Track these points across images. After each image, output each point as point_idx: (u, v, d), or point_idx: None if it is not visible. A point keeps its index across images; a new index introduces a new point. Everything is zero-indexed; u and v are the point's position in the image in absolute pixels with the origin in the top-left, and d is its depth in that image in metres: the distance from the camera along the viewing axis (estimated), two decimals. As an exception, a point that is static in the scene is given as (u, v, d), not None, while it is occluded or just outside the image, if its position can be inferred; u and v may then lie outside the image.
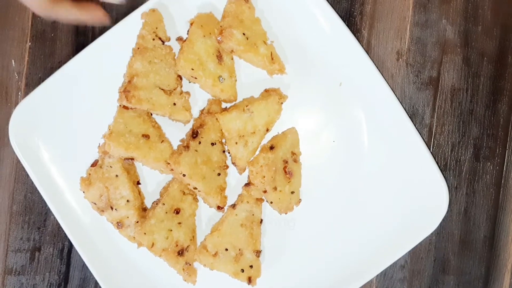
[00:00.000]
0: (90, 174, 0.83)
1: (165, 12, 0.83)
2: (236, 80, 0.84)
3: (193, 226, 0.85)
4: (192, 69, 0.81)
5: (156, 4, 0.83)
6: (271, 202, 0.83)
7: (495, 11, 0.88)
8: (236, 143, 0.83)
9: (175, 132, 0.85)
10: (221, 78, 0.82)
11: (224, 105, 0.86)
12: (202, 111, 0.85)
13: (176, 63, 0.82)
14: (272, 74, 0.85)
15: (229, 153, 0.85)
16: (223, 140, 0.85)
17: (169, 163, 0.81)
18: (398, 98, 0.83)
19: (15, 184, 0.90)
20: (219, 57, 0.82)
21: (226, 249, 0.83)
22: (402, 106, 0.83)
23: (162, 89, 0.81)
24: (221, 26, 0.81)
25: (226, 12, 0.82)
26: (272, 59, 0.83)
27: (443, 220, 0.83)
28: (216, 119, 0.83)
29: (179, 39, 0.84)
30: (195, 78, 0.82)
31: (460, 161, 0.89)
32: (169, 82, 0.82)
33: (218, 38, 0.81)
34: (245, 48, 0.82)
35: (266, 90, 0.86)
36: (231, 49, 0.83)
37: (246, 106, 0.82)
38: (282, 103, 0.85)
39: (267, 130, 0.85)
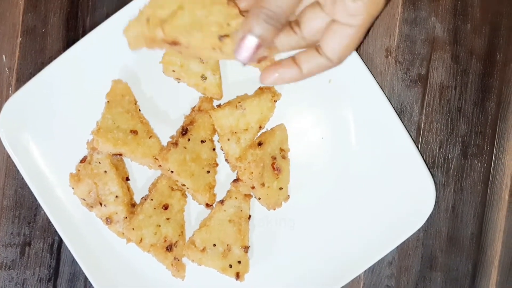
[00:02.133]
0: (79, 170, 0.84)
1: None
2: (220, 78, 0.84)
3: (182, 222, 0.86)
4: (174, 71, 0.82)
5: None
6: (259, 198, 0.83)
7: (484, 9, 0.88)
8: (229, 139, 0.83)
9: (164, 128, 0.85)
10: (203, 77, 0.82)
11: (216, 102, 0.86)
12: (193, 109, 0.85)
13: None
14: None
15: (221, 149, 0.85)
16: (215, 138, 0.86)
17: (157, 159, 0.81)
18: (386, 95, 0.83)
19: (6, 179, 0.90)
20: None
21: (214, 245, 0.83)
22: (391, 103, 0.83)
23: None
24: None
25: None
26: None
27: (430, 217, 0.84)
28: (209, 115, 0.83)
29: None
30: (179, 79, 0.83)
31: (448, 158, 0.89)
32: None
33: None
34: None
35: (260, 88, 0.86)
36: None
37: (239, 102, 0.83)
38: (275, 101, 0.85)
39: (260, 127, 0.85)
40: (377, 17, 0.64)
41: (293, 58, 0.67)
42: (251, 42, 0.61)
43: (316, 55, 0.66)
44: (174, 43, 0.65)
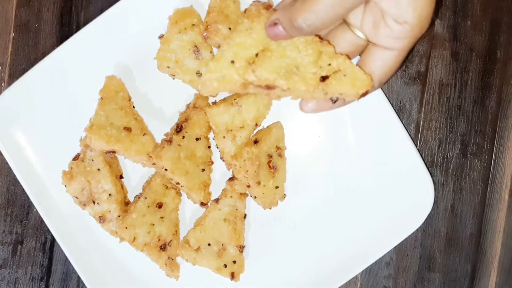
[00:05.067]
0: (72, 167, 0.83)
1: (147, 7, 0.82)
2: None
3: (176, 221, 0.85)
4: (168, 67, 0.81)
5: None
6: (255, 197, 0.82)
7: (485, 6, 0.87)
8: (224, 137, 0.82)
9: (159, 125, 0.84)
10: (198, 73, 0.81)
11: (212, 99, 0.85)
12: (188, 106, 0.84)
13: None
14: None
15: (217, 147, 0.84)
16: (210, 136, 0.84)
17: (151, 157, 0.80)
18: (385, 93, 0.82)
19: (-2, 177, 0.89)
20: (196, 52, 0.81)
21: (209, 244, 0.82)
22: (389, 101, 0.82)
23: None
24: (206, 22, 0.80)
25: (211, 7, 0.81)
26: None
27: (429, 217, 0.83)
28: (205, 112, 0.82)
29: (160, 37, 0.83)
30: (174, 75, 0.82)
31: (447, 157, 0.88)
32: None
33: (204, 34, 0.80)
34: None
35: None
36: (217, 44, 0.82)
37: (235, 99, 0.81)
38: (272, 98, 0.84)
39: (256, 125, 0.84)
40: (419, 39, 0.63)
41: None
42: (280, 30, 0.63)
43: None
44: (269, 87, 0.64)
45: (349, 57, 0.65)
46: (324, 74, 0.64)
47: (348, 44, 0.67)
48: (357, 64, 0.66)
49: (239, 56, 0.63)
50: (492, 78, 0.87)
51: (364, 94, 0.65)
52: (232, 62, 0.63)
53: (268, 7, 0.66)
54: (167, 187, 0.83)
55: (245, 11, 0.68)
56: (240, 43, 0.64)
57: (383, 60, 0.64)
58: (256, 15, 0.65)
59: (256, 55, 0.64)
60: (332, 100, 0.69)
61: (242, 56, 0.63)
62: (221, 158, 0.84)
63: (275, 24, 0.63)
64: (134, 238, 0.80)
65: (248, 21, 0.65)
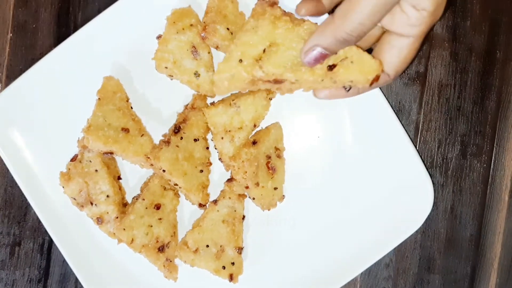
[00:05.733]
0: (69, 168, 0.82)
1: (145, 8, 0.82)
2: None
3: (174, 222, 0.84)
4: (166, 68, 0.80)
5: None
6: (254, 198, 0.82)
7: (484, 6, 0.86)
8: (222, 138, 0.82)
9: (157, 126, 0.84)
10: (196, 74, 0.81)
11: (210, 100, 0.85)
12: (186, 106, 0.84)
13: None
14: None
15: (215, 148, 0.83)
16: (208, 136, 0.84)
17: (149, 158, 0.79)
18: (384, 93, 0.82)
19: (-5, 178, 0.89)
20: (194, 52, 0.81)
21: (207, 246, 0.82)
22: (389, 101, 0.82)
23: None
24: (204, 22, 0.80)
25: (209, 7, 0.81)
26: None
27: (429, 218, 0.82)
28: (203, 113, 0.82)
29: (158, 37, 0.82)
30: (172, 75, 0.81)
31: (447, 158, 0.87)
32: None
33: (202, 35, 0.80)
34: (231, 43, 0.80)
35: (255, 86, 0.84)
36: (216, 44, 0.81)
37: (233, 100, 0.81)
38: (270, 99, 0.83)
39: (255, 126, 0.83)
40: (430, 27, 0.63)
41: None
42: (317, 52, 0.63)
43: None
44: (277, 81, 0.64)
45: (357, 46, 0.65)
46: (331, 63, 0.64)
47: (370, 33, 0.67)
48: (371, 54, 0.65)
49: (247, 54, 0.64)
50: (491, 79, 0.87)
51: (375, 80, 0.64)
52: (240, 61, 0.64)
53: (273, 4, 0.66)
54: (165, 188, 0.83)
55: (252, 12, 0.68)
56: (247, 42, 0.64)
57: (399, 48, 0.64)
58: (262, 13, 0.65)
59: (264, 51, 0.64)
60: (345, 88, 0.68)
61: (249, 54, 0.64)
62: (220, 159, 0.83)
63: (312, 49, 0.63)
64: (132, 240, 0.80)
65: (253, 20, 0.65)
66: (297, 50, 0.64)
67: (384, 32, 0.66)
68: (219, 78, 0.65)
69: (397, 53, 0.65)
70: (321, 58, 0.63)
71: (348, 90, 0.69)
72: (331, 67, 0.64)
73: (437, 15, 0.61)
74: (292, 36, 0.64)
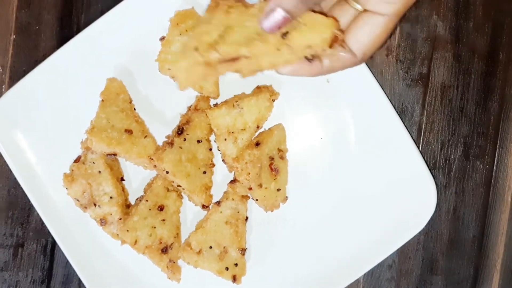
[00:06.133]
0: (73, 170, 0.82)
1: (148, 9, 0.82)
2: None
3: (178, 223, 0.84)
4: (169, 69, 0.80)
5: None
6: (257, 200, 0.82)
7: (487, 7, 0.86)
8: (225, 139, 0.82)
9: (160, 127, 0.84)
10: None
11: (213, 101, 0.85)
12: (189, 108, 0.84)
13: None
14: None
15: (218, 150, 0.83)
16: (212, 138, 0.84)
17: (152, 159, 0.80)
18: (387, 95, 0.82)
19: (-2, 179, 0.89)
20: None
21: (211, 247, 0.82)
22: (391, 103, 0.82)
23: None
24: None
25: None
26: None
27: (431, 219, 0.82)
28: (206, 114, 0.82)
29: (162, 39, 0.82)
30: (175, 77, 0.81)
31: (449, 159, 0.87)
32: None
33: None
34: None
35: (257, 87, 0.84)
36: None
37: (236, 102, 0.81)
38: (273, 101, 0.83)
39: (258, 127, 0.84)
40: (409, 9, 0.61)
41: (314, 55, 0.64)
42: (279, 15, 0.60)
43: (340, 49, 0.63)
44: (234, 58, 0.62)
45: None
46: (284, 31, 0.62)
47: (350, 17, 0.64)
48: (344, 33, 0.63)
49: (202, 42, 0.62)
50: (494, 80, 0.87)
51: (334, 41, 0.62)
52: (196, 48, 0.62)
53: None
54: (168, 190, 0.83)
55: (207, 8, 0.67)
56: (201, 31, 0.63)
57: (371, 26, 0.61)
58: (215, 6, 0.64)
59: (218, 36, 0.62)
60: (307, 60, 0.64)
61: (205, 42, 0.62)
62: (223, 160, 0.83)
63: (272, 12, 0.60)
64: (136, 241, 0.80)
65: (208, 13, 0.64)
66: (251, 28, 0.62)
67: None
68: (178, 69, 0.63)
69: (368, 31, 0.61)
70: (281, 22, 0.60)
71: (311, 61, 0.64)
72: (285, 34, 0.61)
73: None
74: (245, 16, 0.63)
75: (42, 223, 0.86)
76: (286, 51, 0.62)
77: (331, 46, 0.62)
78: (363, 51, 0.63)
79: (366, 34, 0.62)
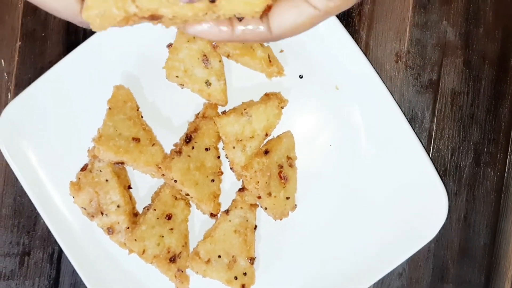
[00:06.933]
0: (80, 178, 0.82)
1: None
2: (225, 83, 0.82)
3: (186, 232, 0.83)
4: (177, 76, 0.80)
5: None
6: (266, 208, 0.81)
7: (497, 13, 0.86)
8: (234, 147, 0.81)
9: (168, 135, 0.83)
10: (207, 83, 0.80)
11: (222, 109, 0.84)
12: (197, 115, 0.83)
13: None
14: (271, 76, 0.83)
15: (227, 158, 0.83)
16: (220, 146, 0.83)
17: (160, 168, 0.79)
18: (397, 102, 0.81)
19: (4, 187, 0.88)
20: (205, 61, 0.80)
21: (219, 256, 0.81)
22: (401, 109, 0.81)
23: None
24: None
25: None
26: (270, 61, 0.81)
27: (442, 227, 0.81)
28: (214, 122, 0.81)
29: (169, 46, 0.82)
30: (183, 84, 0.81)
31: (460, 166, 0.87)
32: None
33: (213, 43, 0.79)
34: (241, 51, 0.80)
35: (266, 94, 0.84)
36: (227, 53, 0.81)
37: (245, 109, 0.80)
38: (282, 108, 0.83)
39: (266, 135, 0.83)
40: (337, 12, 0.58)
41: (230, 17, 0.58)
42: None
43: (257, 21, 0.58)
44: (154, 17, 0.56)
45: None
46: None
47: None
48: (272, 9, 0.58)
49: None
50: (505, 86, 0.86)
51: (266, 10, 0.56)
52: None
53: None
54: (176, 198, 0.82)
55: None
56: None
57: (300, 14, 0.57)
58: None
59: None
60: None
61: None
62: (231, 168, 0.83)
63: None
64: (144, 251, 0.79)
65: None
66: None
67: None
68: (88, 15, 0.55)
69: (295, 16, 0.57)
70: None
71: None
72: (213, 0, 0.55)
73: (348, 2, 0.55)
74: None
75: (49, 231, 0.85)
76: (211, 16, 0.57)
77: (261, 17, 0.57)
78: (281, 32, 0.59)
79: (292, 18, 0.58)
